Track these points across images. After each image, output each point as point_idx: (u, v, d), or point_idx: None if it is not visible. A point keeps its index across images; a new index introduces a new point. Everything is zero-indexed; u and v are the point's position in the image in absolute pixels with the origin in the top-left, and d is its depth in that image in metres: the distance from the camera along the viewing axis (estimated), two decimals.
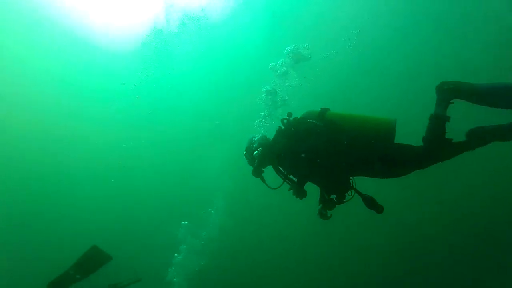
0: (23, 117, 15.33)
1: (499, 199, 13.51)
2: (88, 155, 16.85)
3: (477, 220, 13.48)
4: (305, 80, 4.07)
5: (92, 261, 5.21)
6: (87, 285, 5.26)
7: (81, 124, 16.11)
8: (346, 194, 2.86)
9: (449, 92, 2.60)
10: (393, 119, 2.79)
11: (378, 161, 2.75)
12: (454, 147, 2.59)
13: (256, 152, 3.14)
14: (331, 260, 15.14)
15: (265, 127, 3.41)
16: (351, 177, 2.89)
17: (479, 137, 2.51)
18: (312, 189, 3.11)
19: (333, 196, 2.92)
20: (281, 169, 3.13)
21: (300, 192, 3.04)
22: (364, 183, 2.92)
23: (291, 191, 3.11)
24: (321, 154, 2.78)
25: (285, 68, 3.78)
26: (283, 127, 3.06)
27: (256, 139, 3.26)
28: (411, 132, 2.69)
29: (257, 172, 3.18)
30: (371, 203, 2.72)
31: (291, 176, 3.11)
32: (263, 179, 3.20)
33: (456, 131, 2.62)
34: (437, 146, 2.60)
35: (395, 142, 2.77)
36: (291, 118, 3.06)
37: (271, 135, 3.28)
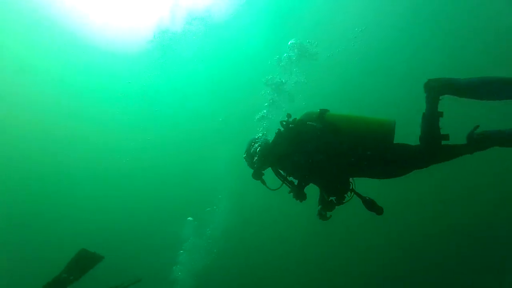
0: (23, 117, 15.35)
1: (499, 199, 13.52)
2: (94, 155, 16.89)
3: (477, 221, 13.50)
4: (306, 79, 4.05)
5: (83, 263, 5.20)
6: None
7: (87, 124, 16.16)
8: (346, 195, 2.85)
9: (437, 89, 2.63)
10: (392, 120, 2.78)
11: (378, 162, 2.75)
12: (453, 150, 2.60)
13: (256, 156, 3.13)
14: (331, 261, 15.15)
15: (269, 119, 3.41)
16: (351, 178, 2.88)
17: (478, 142, 2.51)
18: (312, 190, 3.11)
19: (333, 198, 2.91)
20: (281, 171, 3.11)
21: (300, 195, 3.02)
22: (364, 183, 2.91)
23: (291, 194, 3.10)
24: (321, 155, 2.78)
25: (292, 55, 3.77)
26: (282, 129, 3.04)
27: (256, 141, 3.24)
28: (416, 131, 2.69)
29: (257, 174, 3.17)
30: (371, 205, 2.72)
31: (290, 178, 3.10)
32: (263, 182, 3.19)
33: (449, 127, 2.63)
34: (434, 144, 2.60)
35: (395, 142, 2.77)
36: (290, 120, 3.05)
37: (271, 135, 3.27)
